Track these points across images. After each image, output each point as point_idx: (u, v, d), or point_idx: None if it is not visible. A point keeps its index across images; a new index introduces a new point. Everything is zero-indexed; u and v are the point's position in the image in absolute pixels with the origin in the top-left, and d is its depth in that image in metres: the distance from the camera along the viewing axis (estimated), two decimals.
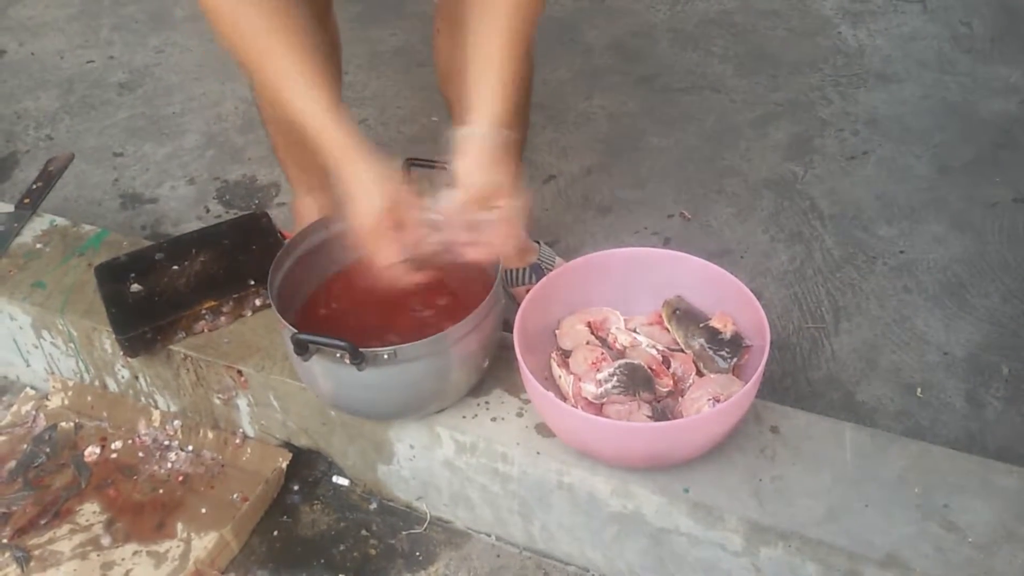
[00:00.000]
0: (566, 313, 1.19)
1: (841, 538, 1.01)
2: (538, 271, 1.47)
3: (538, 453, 1.11)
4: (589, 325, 1.18)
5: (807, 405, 1.39)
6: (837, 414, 1.37)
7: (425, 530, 1.27)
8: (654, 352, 1.14)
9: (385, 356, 1.01)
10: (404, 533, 1.27)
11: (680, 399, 1.08)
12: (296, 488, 1.33)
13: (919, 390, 1.39)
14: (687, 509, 1.05)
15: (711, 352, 1.12)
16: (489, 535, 1.25)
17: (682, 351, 1.12)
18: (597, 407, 1.07)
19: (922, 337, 1.48)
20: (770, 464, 1.08)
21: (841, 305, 1.53)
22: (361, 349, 1.00)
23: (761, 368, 1.02)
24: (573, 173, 1.85)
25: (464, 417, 1.16)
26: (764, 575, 1.06)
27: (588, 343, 1.15)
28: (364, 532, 1.27)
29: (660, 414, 1.04)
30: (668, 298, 1.18)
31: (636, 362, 1.08)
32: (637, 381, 1.06)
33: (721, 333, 1.13)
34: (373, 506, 1.30)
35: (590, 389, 1.06)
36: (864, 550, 1.00)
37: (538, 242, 1.52)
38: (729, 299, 1.14)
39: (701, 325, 1.14)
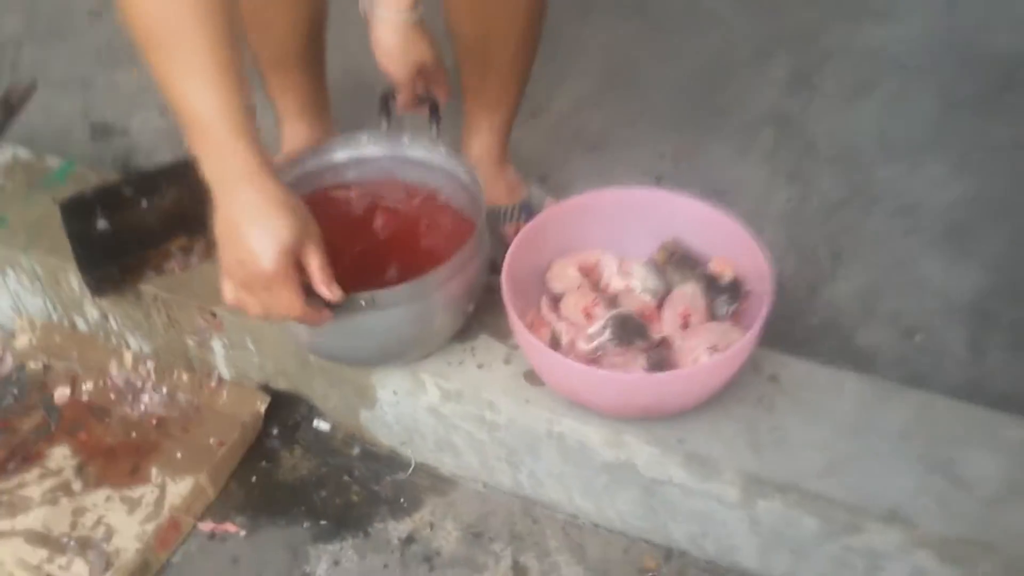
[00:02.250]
0: (557, 256, 1.14)
1: (841, 492, 0.97)
2: (528, 210, 1.40)
3: (527, 401, 1.07)
4: (581, 269, 1.12)
5: (804, 351, 1.35)
6: (835, 361, 1.33)
7: (409, 476, 1.23)
8: (648, 298, 1.09)
9: (362, 303, 0.95)
10: (388, 479, 1.23)
11: (676, 347, 1.03)
12: (275, 432, 1.28)
13: (918, 336, 1.35)
14: (681, 460, 1.02)
15: (709, 298, 1.07)
16: (476, 481, 1.21)
17: (678, 297, 1.07)
18: (591, 359, 1.02)
19: (922, 282, 1.43)
20: (768, 414, 1.04)
21: (839, 248, 1.48)
22: None
23: (763, 317, 0.97)
24: (563, 108, 1.77)
25: (449, 363, 1.11)
26: (761, 527, 1.03)
27: (580, 287, 1.10)
28: (346, 478, 1.23)
29: (656, 364, 1.00)
30: (665, 240, 1.12)
31: (627, 312, 1.03)
32: (630, 330, 1.01)
33: (720, 278, 1.07)
34: (356, 451, 1.26)
35: (582, 346, 1.01)
36: (865, 504, 0.96)
37: (527, 180, 1.45)
38: (729, 243, 1.08)
39: (699, 270, 1.09)
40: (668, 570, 1.12)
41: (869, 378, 1.08)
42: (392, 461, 1.25)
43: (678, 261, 1.10)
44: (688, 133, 1.70)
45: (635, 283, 1.10)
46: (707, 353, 1.00)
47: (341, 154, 1.16)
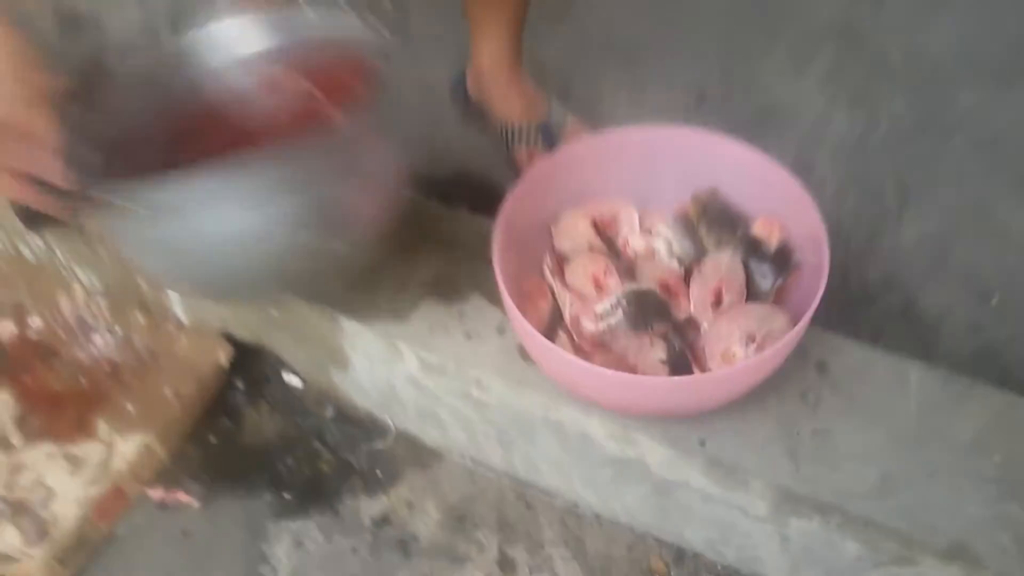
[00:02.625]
0: (568, 204, 0.94)
1: (894, 517, 0.80)
2: (547, 133, 1.20)
3: (520, 383, 0.89)
4: (595, 223, 0.92)
5: (858, 311, 1.15)
6: (893, 325, 1.14)
7: (389, 446, 1.07)
8: (674, 264, 0.89)
9: (112, 199, 0.63)
10: (364, 447, 1.07)
11: (704, 332, 0.85)
12: (240, 386, 1.13)
13: (995, 299, 1.15)
14: (702, 466, 0.84)
15: (749, 269, 0.87)
16: (463, 456, 1.05)
17: (710, 268, 0.87)
18: (597, 342, 0.84)
19: (1004, 231, 1.22)
20: (812, 413, 0.86)
21: (908, 186, 1.26)
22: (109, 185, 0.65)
23: (815, 304, 0.77)
24: (592, 11, 1.52)
25: (432, 329, 0.94)
26: (793, 544, 0.87)
27: (591, 248, 0.90)
28: (317, 444, 1.08)
29: (677, 356, 0.81)
30: (698, 192, 0.92)
31: (646, 288, 0.83)
32: (648, 311, 0.82)
33: (764, 244, 0.87)
34: (329, 413, 1.10)
35: (588, 327, 0.83)
36: (922, 535, 0.79)
37: (548, 95, 1.24)
38: (779, 199, 0.87)
39: (739, 232, 0.89)
40: (679, 574, 0.96)
41: (939, 372, 0.89)
42: (369, 427, 1.09)
43: (714, 218, 0.90)
44: (737, 45, 1.46)
45: (659, 244, 0.90)
46: (741, 344, 0.81)
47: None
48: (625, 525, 0.99)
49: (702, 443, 0.84)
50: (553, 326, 0.86)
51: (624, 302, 0.82)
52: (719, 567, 0.96)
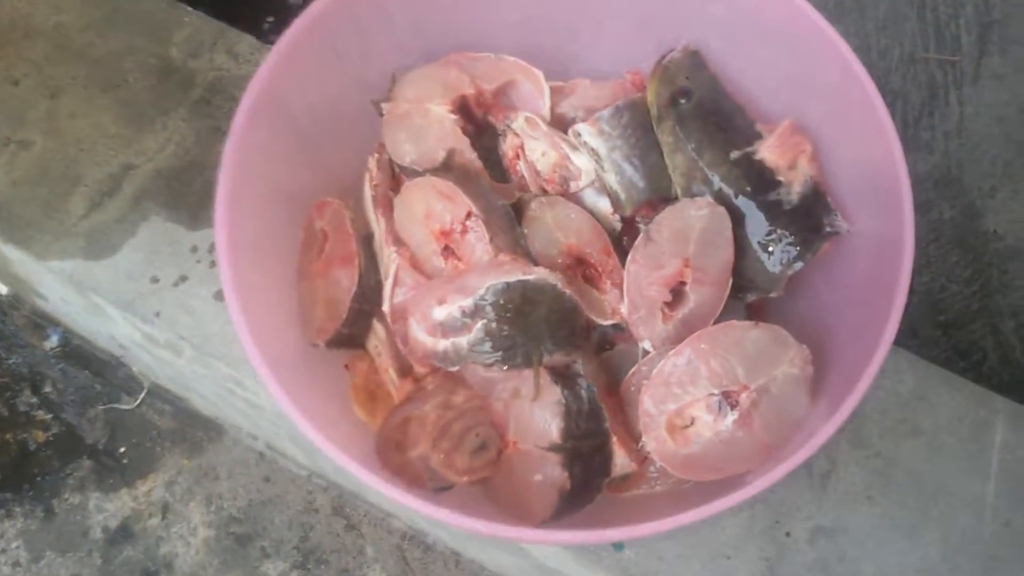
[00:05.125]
0: (413, 58, 0.48)
1: None
2: None
3: None
4: (463, 104, 0.47)
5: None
6: (943, 253, 0.74)
7: (139, 407, 0.68)
8: (604, 206, 0.46)
9: None
10: (100, 408, 0.69)
11: (640, 357, 0.44)
12: None
13: None
14: None
15: (746, 230, 0.45)
16: (255, 438, 0.67)
17: (670, 227, 0.44)
18: (433, 366, 0.43)
19: None
20: (816, 496, 0.48)
21: (997, 15, 0.81)
22: None
23: (881, 350, 0.37)
24: None
25: (155, 279, 0.51)
26: None
27: (451, 159, 0.46)
28: (30, 395, 0.69)
29: (583, 420, 0.41)
30: (666, 56, 0.47)
31: (535, 279, 0.41)
32: (536, 327, 0.41)
33: (780, 183, 0.44)
34: (52, 343, 0.70)
35: (421, 339, 0.41)
36: None
37: None
38: (814, 83, 0.44)
39: (735, 153, 0.45)
40: None
41: None
42: (111, 373, 0.69)
43: (690, 116, 0.46)
44: None
45: (580, 162, 0.46)
46: (708, 407, 0.41)
47: None
48: (492, 571, 0.64)
49: (619, 546, 0.47)
50: (362, 313, 0.45)
51: (489, 308, 0.40)
52: None
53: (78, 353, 0.69)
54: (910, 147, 0.78)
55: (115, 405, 0.68)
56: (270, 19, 0.77)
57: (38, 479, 0.66)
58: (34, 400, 0.68)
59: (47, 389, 0.69)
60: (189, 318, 0.50)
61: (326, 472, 0.64)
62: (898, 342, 0.55)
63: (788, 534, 0.48)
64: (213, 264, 0.51)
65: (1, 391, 0.68)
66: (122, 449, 0.67)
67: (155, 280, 0.51)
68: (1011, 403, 0.51)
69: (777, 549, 0.47)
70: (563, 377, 0.42)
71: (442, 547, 0.65)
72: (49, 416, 0.68)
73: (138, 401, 0.68)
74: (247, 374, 0.50)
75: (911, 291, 0.73)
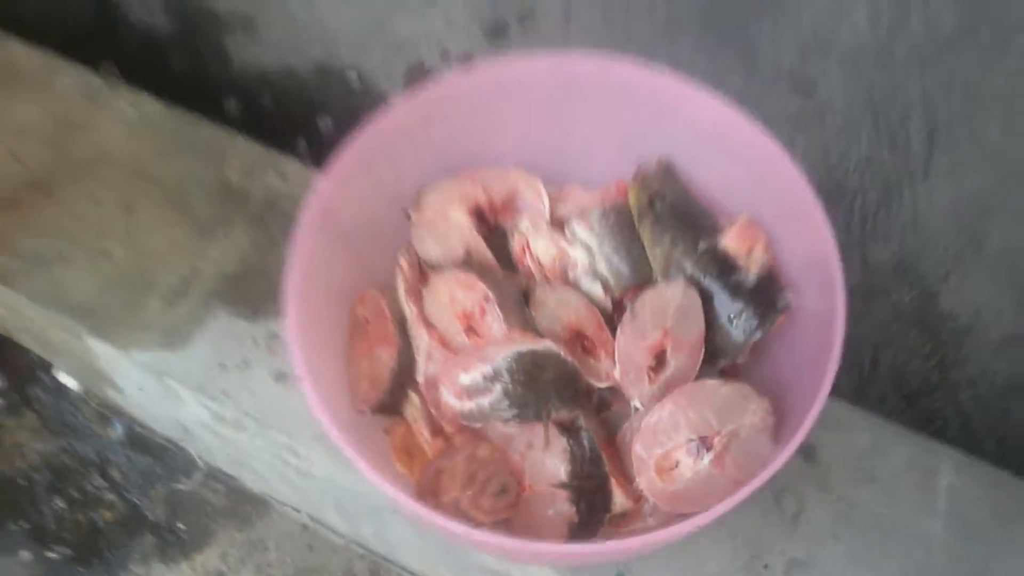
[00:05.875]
0: (436, 173, 0.59)
1: None
2: None
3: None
4: (478, 210, 0.58)
5: (857, 310, 0.84)
6: (902, 332, 0.82)
7: (196, 487, 0.77)
8: (597, 291, 0.56)
9: None
10: (161, 489, 0.77)
11: (632, 413, 0.53)
12: None
13: None
14: None
15: (715, 307, 0.54)
16: (299, 511, 0.75)
17: (652, 307, 0.54)
18: (461, 425, 0.52)
19: None
20: (789, 532, 0.56)
21: (941, 121, 0.92)
22: None
23: (820, 398, 0.46)
24: None
25: (223, 365, 0.61)
26: None
27: (468, 254, 0.57)
28: (98, 479, 0.77)
29: (587, 465, 0.50)
30: (645, 168, 0.58)
31: (542, 349, 0.50)
32: (544, 388, 0.50)
33: (740, 268, 0.54)
34: (117, 432, 0.79)
35: (451, 403, 0.50)
36: None
37: None
38: (766, 190, 0.54)
39: (702, 245, 0.55)
40: None
41: (985, 469, 0.59)
42: (170, 457, 0.78)
43: (665, 217, 0.56)
44: None
45: (577, 255, 0.56)
46: (688, 451, 0.49)
47: None
48: None
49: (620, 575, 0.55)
50: (400, 384, 0.54)
51: (506, 375, 0.49)
52: None
53: (141, 440, 0.78)
54: (869, 239, 0.88)
55: (175, 485, 0.77)
56: (303, 140, 0.89)
57: (106, 554, 0.74)
58: (102, 483, 0.77)
59: (113, 473, 0.77)
60: (252, 397, 0.59)
61: (364, 539, 0.72)
62: (868, 408, 0.63)
63: (766, 566, 0.55)
64: (271, 351, 0.61)
65: (72, 476, 0.77)
66: (181, 525, 0.75)
67: (222, 366, 0.60)
68: (955, 452, 0.59)
69: None
70: (568, 430, 0.51)
71: None
72: (115, 497, 0.77)
73: (196, 481, 0.77)
74: (302, 443, 0.58)
75: (878, 365, 0.82)
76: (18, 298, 0.63)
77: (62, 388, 0.80)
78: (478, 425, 0.51)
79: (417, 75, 0.76)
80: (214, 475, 0.76)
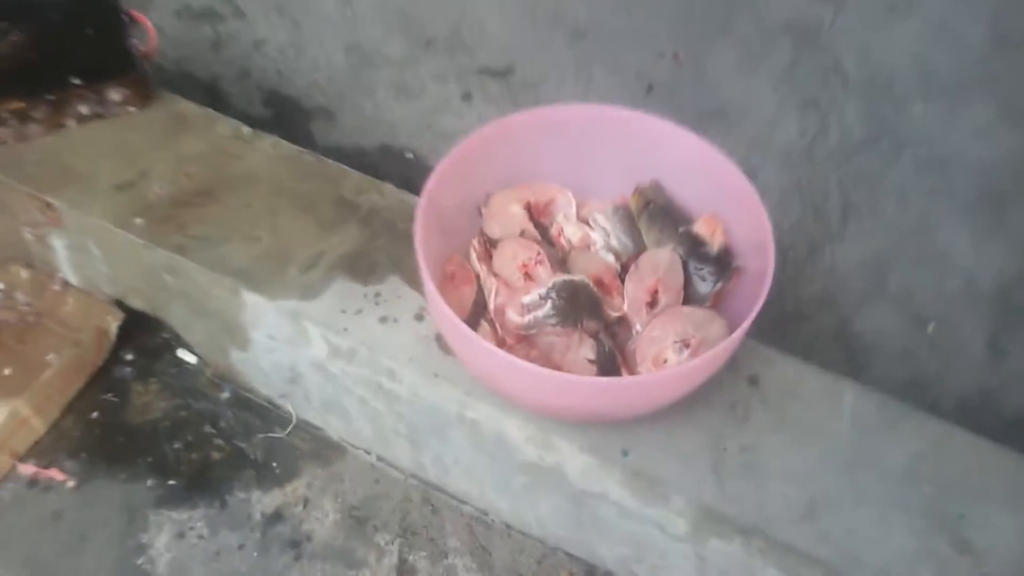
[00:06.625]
0: (499, 185, 0.86)
1: (819, 545, 0.75)
2: None
3: (436, 375, 0.82)
4: (528, 207, 0.85)
5: (791, 328, 1.11)
6: (825, 345, 1.10)
7: (288, 435, 0.99)
8: (610, 259, 0.83)
9: None
10: (260, 436, 0.99)
11: (636, 334, 0.78)
12: (129, 358, 1.03)
13: (932, 325, 1.11)
14: (622, 477, 0.78)
15: (689, 270, 0.81)
16: (369, 453, 0.97)
17: (647, 264, 0.81)
18: (521, 335, 0.77)
19: (945, 256, 1.18)
20: (740, 428, 0.81)
21: (852, 201, 1.22)
22: None
23: (756, 309, 0.72)
24: None
25: (344, 311, 0.86)
26: (709, 567, 0.81)
27: (523, 233, 0.83)
28: (209, 428, 0.99)
29: (606, 356, 0.75)
30: (641, 184, 0.86)
31: (579, 279, 0.77)
32: (579, 306, 0.76)
33: (706, 244, 0.82)
34: (225, 395, 1.01)
35: (513, 318, 0.76)
36: (846, 565, 0.74)
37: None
38: (726, 198, 0.82)
39: (681, 229, 0.83)
40: None
41: (875, 394, 0.84)
42: (268, 414, 1.00)
43: (655, 213, 0.84)
44: (692, 32, 1.40)
45: (596, 235, 0.84)
46: (674, 349, 0.75)
47: None
48: (536, 537, 0.93)
49: (625, 453, 0.78)
50: (476, 314, 0.79)
51: (554, 294, 0.75)
52: None
53: (245, 401, 1.01)
54: (800, 279, 1.16)
55: (270, 434, 0.99)
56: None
57: (215, 484, 0.95)
58: (212, 431, 0.99)
59: (222, 424, 0.99)
60: (364, 331, 0.84)
61: (423, 470, 0.94)
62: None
63: (725, 449, 0.79)
64: (376, 304, 0.86)
65: (190, 425, 0.99)
66: (275, 464, 0.97)
67: (343, 311, 0.85)
68: (855, 383, 0.85)
69: (719, 454, 0.79)
70: (594, 337, 0.76)
71: (499, 524, 0.93)
72: (223, 441, 0.98)
73: (287, 432, 0.99)
74: (398, 363, 0.82)
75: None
76: (192, 265, 0.88)
77: (182, 362, 1.03)
78: (533, 331, 0.76)
79: None
80: (302, 427, 0.99)
